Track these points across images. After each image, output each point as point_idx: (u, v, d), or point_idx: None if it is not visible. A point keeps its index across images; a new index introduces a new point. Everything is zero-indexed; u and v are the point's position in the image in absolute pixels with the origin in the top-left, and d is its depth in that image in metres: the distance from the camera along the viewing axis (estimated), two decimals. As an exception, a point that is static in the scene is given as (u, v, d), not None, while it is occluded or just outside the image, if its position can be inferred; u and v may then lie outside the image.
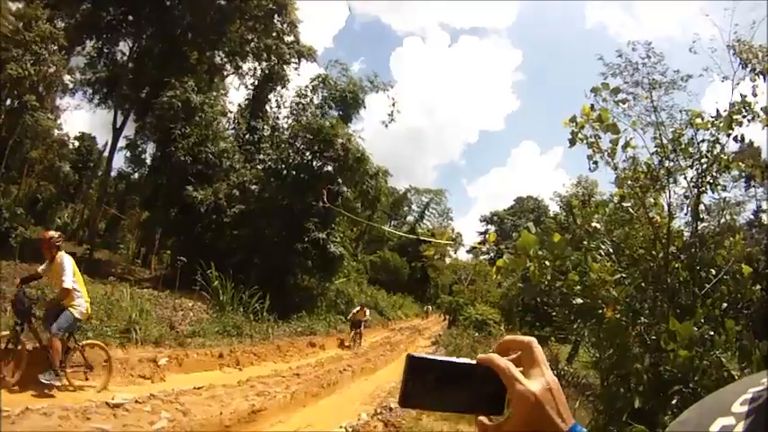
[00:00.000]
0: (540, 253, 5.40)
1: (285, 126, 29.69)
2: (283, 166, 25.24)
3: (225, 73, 34.37)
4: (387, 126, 29.55)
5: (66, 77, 28.96)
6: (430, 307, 55.39)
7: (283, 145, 26.99)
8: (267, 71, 32.52)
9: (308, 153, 25.04)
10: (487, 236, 5.97)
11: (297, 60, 33.21)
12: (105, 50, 30.80)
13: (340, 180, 24.21)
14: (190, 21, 28.51)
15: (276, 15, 31.76)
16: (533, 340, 0.85)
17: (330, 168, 24.27)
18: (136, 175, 34.28)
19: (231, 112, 31.06)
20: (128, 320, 12.30)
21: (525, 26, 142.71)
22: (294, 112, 28.15)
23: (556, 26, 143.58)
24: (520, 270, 6.03)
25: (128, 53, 30.37)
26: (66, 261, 8.40)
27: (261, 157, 28.07)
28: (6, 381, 7.75)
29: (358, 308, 23.52)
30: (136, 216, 35.44)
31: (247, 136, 30.31)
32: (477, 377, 0.83)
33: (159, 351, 12.14)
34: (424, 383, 0.83)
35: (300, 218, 23.42)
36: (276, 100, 32.09)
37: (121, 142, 30.85)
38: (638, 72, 15.15)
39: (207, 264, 18.52)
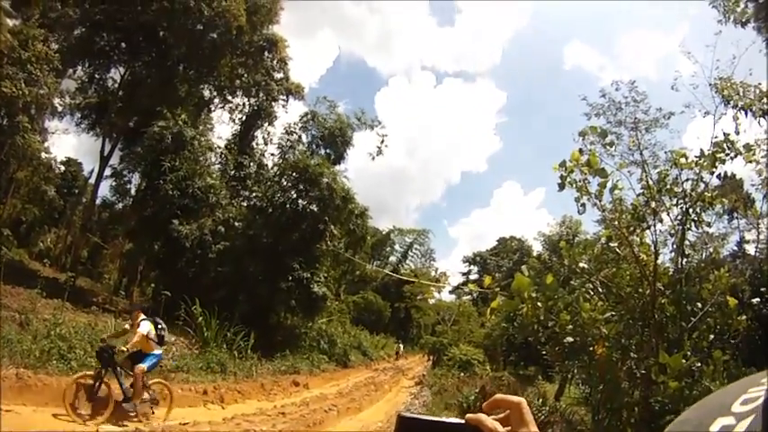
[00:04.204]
0: (533, 294, 5.53)
1: (271, 164, 29.92)
2: (268, 203, 25.20)
3: (212, 107, 34.58)
4: (374, 159, 29.95)
5: (56, 100, 28.72)
6: (401, 345, 48.38)
7: (269, 182, 27.14)
8: (255, 107, 32.90)
9: (293, 191, 25.09)
10: (483, 279, 6.09)
11: (285, 97, 33.78)
12: (96, 76, 30.70)
13: (327, 219, 24.26)
14: (183, 52, 28.58)
15: (267, 52, 32.30)
16: (523, 401, 0.88)
17: (315, 207, 24.30)
18: (120, 205, 33.95)
19: (219, 148, 31.14)
20: (111, 352, 12.12)
21: (509, 69, 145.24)
22: (282, 149, 28.38)
23: (538, 69, 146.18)
24: (511, 311, 6.12)
25: (119, 80, 30.24)
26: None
27: (246, 193, 28.10)
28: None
29: (128, 324, 11.21)
30: (118, 246, 35.06)
31: (233, 172, 30.36)
32: None
33: (142, 385, 11.95)
34: None
35: (285, 256, 23.36)
36: (263, 137, 32.50)
37: (108, 171, 30.71)
38: (621, 111, 15.54)
39: (190, 298, 18.23)
